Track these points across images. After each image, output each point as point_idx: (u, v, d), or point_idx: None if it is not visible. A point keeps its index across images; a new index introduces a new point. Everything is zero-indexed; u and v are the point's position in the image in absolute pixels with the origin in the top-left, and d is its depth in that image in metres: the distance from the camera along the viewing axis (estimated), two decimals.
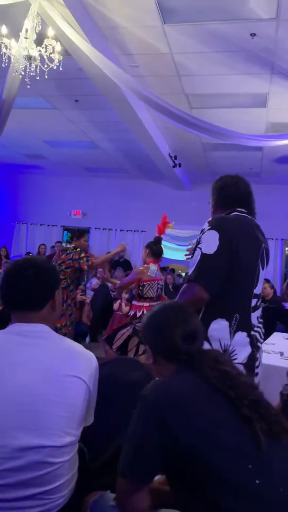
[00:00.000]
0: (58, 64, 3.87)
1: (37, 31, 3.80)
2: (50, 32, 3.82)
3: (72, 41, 4.02)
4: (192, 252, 1.98)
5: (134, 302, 4.62)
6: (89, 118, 7.13)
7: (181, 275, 10.61)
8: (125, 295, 6.65)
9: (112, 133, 7.73)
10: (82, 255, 4.49)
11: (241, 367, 1.81)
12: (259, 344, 1.96)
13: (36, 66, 3.89)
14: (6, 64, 4.04)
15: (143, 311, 4.35)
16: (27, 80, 3.99)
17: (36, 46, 3.79)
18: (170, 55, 4.90)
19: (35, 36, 3.77)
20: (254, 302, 1.91)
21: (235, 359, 1.83)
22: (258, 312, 1.97)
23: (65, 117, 7.18)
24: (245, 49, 4.64)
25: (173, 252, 9.79)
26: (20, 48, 3.79)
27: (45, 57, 3.82)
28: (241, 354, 1.85)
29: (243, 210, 2.07)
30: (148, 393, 1.22)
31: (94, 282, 8.48)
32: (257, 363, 1.93)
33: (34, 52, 3.78)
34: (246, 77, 5.25)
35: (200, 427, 1.15)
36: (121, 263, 10.58)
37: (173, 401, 1.20)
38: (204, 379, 1.26)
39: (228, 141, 5.54)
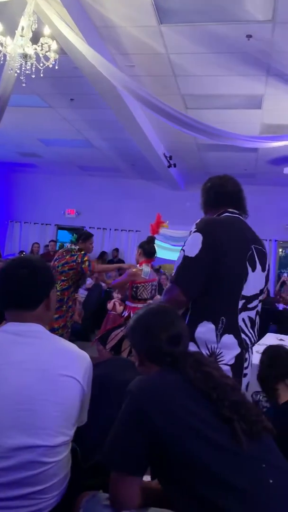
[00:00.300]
0: (53, 62, 3.87)
1: (33, 29, 3.79)
2: (46, 30, 3.81)
3: (68, 40, 4.01)
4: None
5: (128, 303, 4.59)
6: (84, 117, 7.12)
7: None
8: (118, 295, 6.64)
9: (107, 132, 7.72)
10: (85, 258, 4.40)
11: (227, 369, 1.80)
12: (249, 343, 1.95)
13: (32, 64, 3.88)
14: (1, 62, 4.02)
15: None
16: (22, 78, 3.98)
17: (32, 44, 3.78)
18: (166, 55, 4.90)
19: (31, 34, 3.76)
20: (241, 303, 1.90)
21: (221, 360, 1.82)
22: (247, 314, 1.93)
23: (60, 116, 7.16)
24: (241, 50, 4.65)
25: (167, 252, 9.78)
26: (16, 46, 3.78)
27: (40, 55, 3.81)
28: (228, 355, 1.84)
29: (234, 210, 2.06)
30: (133, 387, 1.26)
31: (88, 281, 8.46)
32: (245, 364, 1.92)
33: (30, 50, 3.77)
34: (241, 78, 5.27)
35: (181, 418, 1.18)
36: (115, 263, 10.58)
37: (156, 393, 1.23)
38: (187, 380, 1.29)
39: (223, 142, 5.55)
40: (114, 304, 6.51)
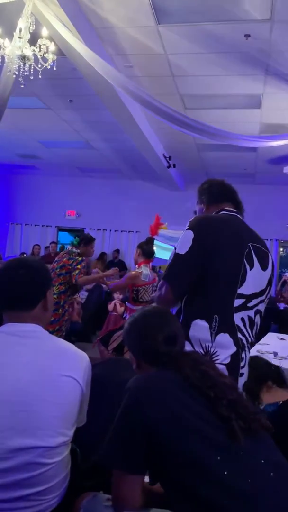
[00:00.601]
0: (52, 64, 3.87)
1: (31, 31, 3.79)
2: (44, 31, 3.81)
3: (66, 41, 4.02)
4: None
5: (129, 306, 4.56)
6: (83, 118, 7.12)
7: None
8: (119, 295, 6.64)
9: (106, 133, 7.73)
10: (79, 266, 4.35)
11: (223, 367, 1.79)
12: (245, 343, 1.92)
13: (30, 65, 3.88)
14: None
15: None
16: (21, 80, 3.98)
17: (30, 46, 3.78)
18: (165, 55, 4.90)
19: (29, 36, 3.76)
20: (238, 302, 1.87)
21: (216, 359, 1.80)
22: (247, 313, 1.90)
23: (59, 117, 7.16)
24: (239, 50, 4.65)
25: (166, 252, 9.77)
26: (14, 48, 3.78)
27: (39, 56, 3.81)
28: (223, 354, 1.82)
29: (231, 209, 2.06)
30: (130, 385, 1.27)
31: None
32: (242, 363, 1.88)
33: (28, 51, 3.77)
34: (240, 78, 5.27)
35: (179, 416, 1.19)
36: (115, 264, 10.58)
37: (153, 390, 1.24)
38: (185, 379, 1.29)
39: (222, 142, 5.55)
40: (115, 305, 6.50)
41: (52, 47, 3.81)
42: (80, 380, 1.37)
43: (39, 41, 3.77)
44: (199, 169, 9.22)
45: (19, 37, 3.72)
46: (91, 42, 4.37)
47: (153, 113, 4.79)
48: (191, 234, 1.87)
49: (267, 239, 9.87)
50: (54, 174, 11.36)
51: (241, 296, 1.87)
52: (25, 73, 3.91)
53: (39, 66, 3.91)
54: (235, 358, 1.85)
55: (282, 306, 7.89)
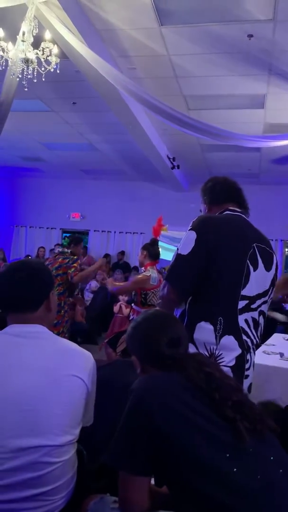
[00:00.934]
0: (55, 66, 3.88)
1: (34, 34, 3.80)
2: (47, 35, 3.83)
3: (69, 44, 4.03)
4: None
5: (137, 308, 4.51)
6: (87, 120, 7.14)
7: None
8: (124, 297, 6.63)
9: (110, 135, 7.74)
10: (75, 264, 4.39)
11: (228, 370, 1.77)
12: (250, 345, 1.91)
13: (34, 69, 3.89)
14: (3, 67, 4.04)
15: None
16: (24, 83, 3.99)
17: (33, 49, 3.80)
18: (168, 56, 4.90)
19: (32, 39, 3.78)
20: (242, 304, 1.85)
21: (221, 362, 1.79)
22: (251, 314, 1.89)
23: (62, 120, 7.18)
24: (242, 50, 4.64)
25: (171, 253, 9.76)
26: (17, 51, 3.80)
27: (42, 60, 3.83)
28: (228, 357, 1.80)
29: (235, 209, 2.03)
30: (135, 387, 1.27)
31: (93, 284, 8.48)
32: (247, 365, 1.87)
33: (31, 55, 3.79)
34: (243, 78, 5.26)
35: (184, 416, 1.19)
36: (120, 265, 10.58)
37: (158, 391, 1.24)
38: (190, 380, 1.29)
39: (226, 142, 5.55)
40: (120, 306, 6.49)
41: (55, 50, 3.83)
42: (85, 379, 1.38)
43: (42, 44, 3.79)
44: (203, 170, 9.21)
45: (22, 41, 3.74)
46: (94, 44, 4.38)
47: (156, 115, 4.79)
48: (193, 235, 1.85)
49: (272, 240, 9.76)
50: (58, 176, 11.39)
51: (244, 297, 1.86)
52: (29, 76, 3.93)
53: (42, 69, 3.92)
54: (240, 360, 1.84)
55: (287, 306, 7.86)
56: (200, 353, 1.68)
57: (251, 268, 1.87)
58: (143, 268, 4.48)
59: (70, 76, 5.29)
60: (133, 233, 11.30)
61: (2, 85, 4.60)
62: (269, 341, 4.30)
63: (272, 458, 1.20)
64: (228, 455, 1.15)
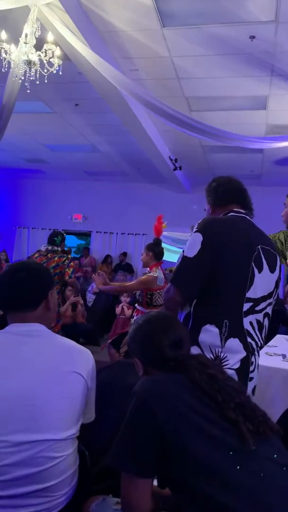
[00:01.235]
0: (57, 68, 3.89)
1: (37, 36, 3.81)
2: (50, 36, 3.83)
3: (72, 46, 4.04)
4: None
5: (142, 309, 4.50)
6: (89, 121, 7.15)
7: None
8: (126, 298, 6.63)
9: (112, 136, 7.74)
10: (72, 264, 4.39)
11: (232, 372, 1.77)
12: (255, 348, 1.90)
13: (36, 70, 3.90)
14: (6, 69, 4.05)
15: None
16: (27, 84, 4.00)
17: (36, 51, 3.80)
18: (170, 58, 4.91)
19: (34, 41, 3.78)
20: (247, 306, 1.85)
21: (226, 364, 1.79)
22: (255, 317, 1.89)
23: (65, 121, 7.19)
24: (244, 51, 4.64)
25: (172, 254, 9.77)
26: (20, 53, 3.80)
27: (44, 61, 3.84)
28: (233, 359, 1.80)
29: (240, 210, 2.02)
30: (138, 388, 1.28)
31: (94, 286, 8.47)
32: (251, 368, 1.87)
33: (34, 57, 3.79)
34: (245, 79, 5.26)
35: (187, 417, 1.19)
36: (123, 267, 10.58)
37: (160, 392, 1.24)
38: (192, 382, 1.29)
39: (229, 144, 5.54)
40: (122, 308, 6.51)
41: (57, 51, 3.84)
42: (84, 375, 1.42)
43: (45, 46, 3.79)
44: (205, 171, 9.21)
45: (25, 43, 3.75)
46: (96, 46, 4.39)
47: (158, 116, 4.79)
48: (199, 237, 1.84)
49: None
50: (60, 177, 11.40)
51: (249, 299, 1.85)
52: (31, 78, 3.93)
53: (45, 71, 3.93)
54: (245, 362, 1.83)
55: None
56: (203, 355, 1.68)
57: (256, 270, 1.87)
58: (147, 268, 4.47)
59: (72, 78, 5.30)
60: (135, 234, 11.30)
61: (4, 87, 4.61)
62: (271, 343, 4.28)
63: (275, 456, 1.20)
64: (230, 455, 1.15)
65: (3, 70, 4.08)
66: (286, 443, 1.31)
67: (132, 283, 4.80)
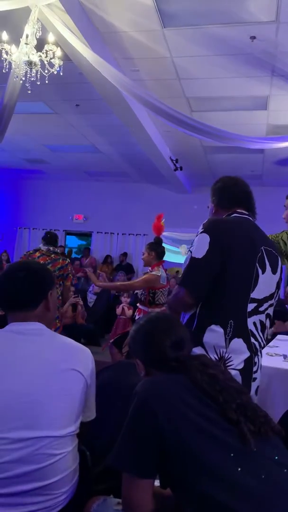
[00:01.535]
0: (58, 69, 3.89)
1: (38, 37, 3.82)
2: (51, 37, 3.84)
3: (72, 46, 4.04)
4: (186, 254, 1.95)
5: (144, 308, 4.49)
6: (90, 122, 7.15)
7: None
8: (126, 299, 6.63)
9: (113, 137, 7.75)
10: (73, 272, 4.43)
11: (236, 373, 1.77)
12: (258, 348, 1.91)
13: (37, 71, 3.91)
14: (7, 70, 4.06)
15: None
16: (27, 85, 4.00)
17: (37, 52, 3.81)
18: (170, 58, 4.91)
19: (35, 42, 3.79)
20: (251, 307, 1.85)
21: (230, 365, 1.79)
22: (258, 317, 1.89)
23: (66, 122, 7.20)
24: (245, 52, 4.65)
25: (174, 255, 9.79)
26: (21, 54, 3.81)
27: (45, 62, 3.84)
28: (237, 360, 1.81)
29: (243, 211, 2.03)
30: (139, 388, 1.28)
31: (96, 286, 8.47)
32: (255, 368, 1.88)
33: (35, 57, 3.80)
34: (246, 79, 5.26)
35: (189, 418, 1.19)
36: (123, 267, 10.58)
37: (161, 392, 1.25)
38: (193, 383, 1.29)
39: (229, 144, 5.54)
40: (123, 308, 6.50)
41: (58, 52, 3.84)
42: (84, 373, 1.43)
43: (46, 47, 3.80)
44: (206, 172, 9.21)
45: (26, 43, 3.75)
46: (97, 46, 4.39)
47: (159, 116, 4.80)
48: (207, 237, 1.83)
49: None
50: (61, 178, 11.41)
51: (253, 300, 1.86)
52: (32, 79, 3.94)
53: (46, 71, 3.93)
54: (249, 363, 1.84)
55: None
56: (204, 355, 1.68)
57: (260, 271, 1.88)
58: (149, 268, 4.48)
59: (73, 78, 5.31)
60: (136, 234, 11.31)
61: (5, 88, 4.62)
62: (272, 343, 4.29)
63: (276, 458, 1.20)
64: (232, 456, 1.15)
65: (4, 71, 4.09)
66: (287, 444, 1.31)
67: (136, 281, 4.80)
